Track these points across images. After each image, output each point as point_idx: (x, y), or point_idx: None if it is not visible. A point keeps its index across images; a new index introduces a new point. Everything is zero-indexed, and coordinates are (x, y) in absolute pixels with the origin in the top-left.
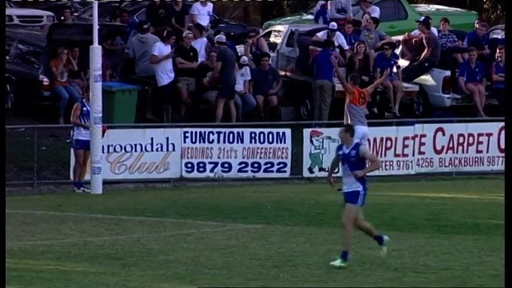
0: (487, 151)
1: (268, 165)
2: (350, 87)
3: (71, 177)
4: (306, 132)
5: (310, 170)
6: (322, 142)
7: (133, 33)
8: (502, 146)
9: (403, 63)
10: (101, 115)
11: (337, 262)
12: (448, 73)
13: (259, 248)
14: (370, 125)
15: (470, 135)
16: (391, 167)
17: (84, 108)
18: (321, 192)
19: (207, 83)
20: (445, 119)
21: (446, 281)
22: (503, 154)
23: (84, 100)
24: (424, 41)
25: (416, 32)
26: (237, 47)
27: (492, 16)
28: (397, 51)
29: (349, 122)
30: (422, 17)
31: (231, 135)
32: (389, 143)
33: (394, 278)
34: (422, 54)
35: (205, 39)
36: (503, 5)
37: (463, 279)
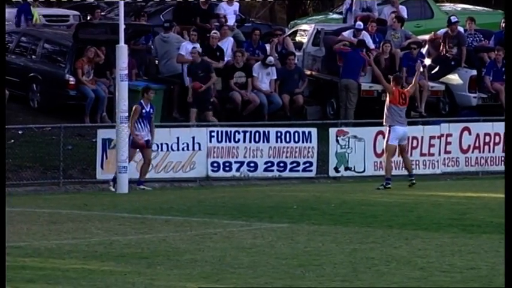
0: None
1: (294, 164)
2: (390, 87)
3: (97, 176)
4: (332, 131)
5: (336, 170)
6: (348, 141)
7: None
8: None
9: (429, 62)
10: (127, 114)
11: None
12: (474, 72)
13: (285, 247)
14: None
15: (496, 134)
16: (417, 166)
17: (144, 110)
18: (347, 192)
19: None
20: (471, 118)
21: (472, 280)
22: None
23: (143, 101)
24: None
25: (442, 31)
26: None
27: None
28: (423, 50)
29: (387, 122)
30: (455, 18)
31: (257, 134)
32: (415, 142)
33: (420, 278)
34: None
35: (231, 38)
36: None
37: (489, 278)
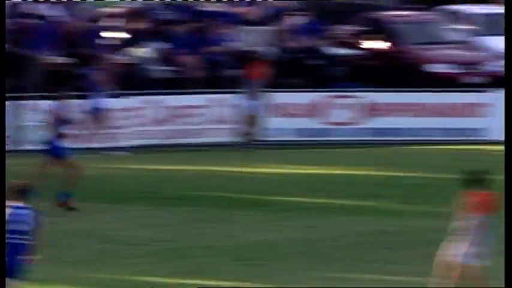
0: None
1: None
2: None
3: None
4: None
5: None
6: None
7: None
8: (220, 116)
9: None
10: None
11: None
12: None
13: None
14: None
15: (185, 107)
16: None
17: None
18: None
19: None
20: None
21: (157, 253)
22: (218, 126)
23: None
24: None
25: None
26: None
27: None
28: None
29: None
30: None
31: None
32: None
33: (108, 251)
34: None
35: None
36: None
37: (181, 251)
